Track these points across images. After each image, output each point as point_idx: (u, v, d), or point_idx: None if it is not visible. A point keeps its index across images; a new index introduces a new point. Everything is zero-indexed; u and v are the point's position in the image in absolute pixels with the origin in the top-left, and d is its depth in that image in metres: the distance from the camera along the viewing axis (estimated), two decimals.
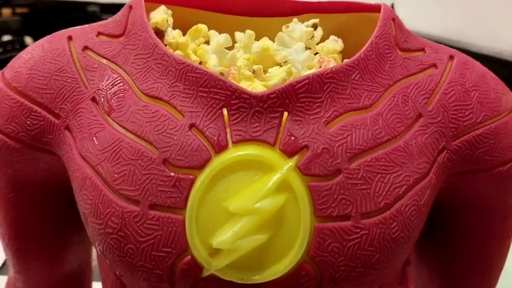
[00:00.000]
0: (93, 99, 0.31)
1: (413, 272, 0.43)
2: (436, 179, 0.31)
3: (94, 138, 0.30)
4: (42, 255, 0.39)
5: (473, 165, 0.32)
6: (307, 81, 0.29)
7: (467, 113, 0.31)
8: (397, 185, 0.28)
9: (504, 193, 0.33)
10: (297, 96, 0.28)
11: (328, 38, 0.37)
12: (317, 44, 0.36)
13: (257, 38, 0.37)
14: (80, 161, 0.30)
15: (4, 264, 0.71)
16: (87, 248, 0.43)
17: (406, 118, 0.30)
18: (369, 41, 0.31)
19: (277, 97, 0.28)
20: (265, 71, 0.35)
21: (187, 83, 0.29)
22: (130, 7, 0.34)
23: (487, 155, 0.32)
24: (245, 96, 0.28)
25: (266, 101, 0.28)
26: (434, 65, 0.33)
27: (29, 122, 0.32)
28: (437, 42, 0.35)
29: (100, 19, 0.37)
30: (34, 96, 0.32)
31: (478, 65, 0.34)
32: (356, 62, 0.30)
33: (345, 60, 0.33)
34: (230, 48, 0.37)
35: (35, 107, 0.32)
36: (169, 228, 0.27)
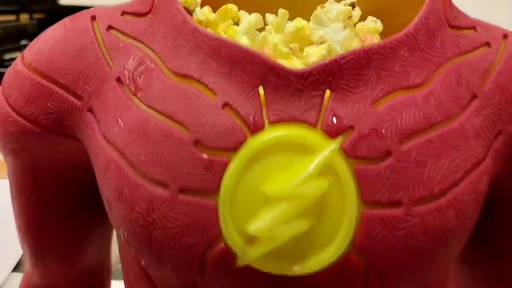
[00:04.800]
0: (118, 80, 0.29)
1: (454, 274, 0.40)
2: (492, 165, 0.28)
3: (119, 120, 0.28)
4: (59, 248, 0.36)
5: None
6: (352, 56, 0.26)
7: None
8: (453, 169, 0.26)
9: None
10: (341, 73, 0.26)
11: (365, 20, 0.35)
12: (355, 24, 0.34)
13: (289, 19, 0.35)
14: (103, 144, 0.28)
15: (19, 262, 0.69)
16: (106, 244, 0.41)
17: (460, 99, 0.27)
18: (418, 16, 0.28)
19: (320, 74, 0.26)
20: (301, 51, 0.33)
21: (220, 60, 0.27)
22: None
23: None
24: (284, 73, 0.26)
25: (307, 78, 0.26)
26: (487, 44, 0.30)
27: (49, 105, 0.30)
28: None
29: None
30: (55, 77, 0.30)
31: None
32: (405, 37, 0.27)
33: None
34: (261, 30, 0.35)
35: (56, 89, 0.30)
36: (201, 214, 0.25)
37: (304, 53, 0.30)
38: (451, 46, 0.29)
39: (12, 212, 0.37)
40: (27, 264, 0.39)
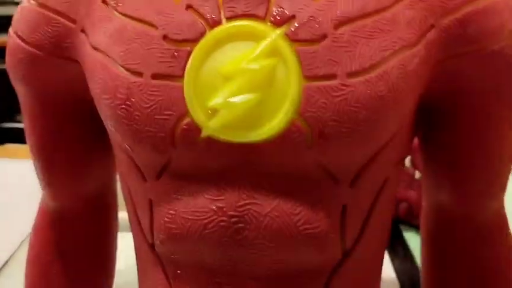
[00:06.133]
0: (103, 1, 0.34)
1: (423, 189, 0.43)
2: (426, 54, 0.32)
3: (104, 29, 0.33)
4: (67, 166, 0.41)
5: (464, 45, 0.33)
6: None
7: None
8: (383, 48, 0.30)
9: (497, 75, 0.34)
10: None
11: None
12: None
13: None
14: (92, 52, 0.33)
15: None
16: (109, 172, 0.45)
17: None
18: None
19: None
20: None
21: None
22: None
23: (478, 33, 0.32)
24: None
25: None
26: None
27: (49, 30, 0.36)
28: None
29: None
30: (54, 6, 0.36)
31: None
32: None
33: None
34: None
35: (54, 16, 0.36)
36: (170, 94, 0.30)
37: None
38: None
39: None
40: (42, 189, 0.44)
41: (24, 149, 0.48)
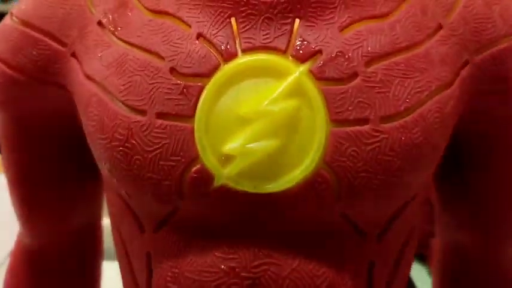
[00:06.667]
0: (99, 23, 0.30)
1: (439, 226, 0.41)
2: (460, 93, 0.29)
3: (100, 57, 0.29)
4: (48, 204, 0.37)
5: (499, 83, 0.30)
6: None
7: (489, 26, 0.30)
8: (418, 89, 0.27)
9: None
10: (309, 1, 0.27)
11: None
12: None
13: None
14: (85, 81, 0.29)
15: None
16: (95, 208, 0.41)
17: (426, 28, 0.28)
18: None
19: (288, 2, 0.27)
20: None
21: None
22: None
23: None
24: (254, 2, 0.27)
25: (276, 7, 0.27)
26: None
27: (35, 53, 0.32)
28: None
29: None
30: (40, 25, 0.31)
31: None
32: None
33: None
34: None
35: (41, 37, 0.31)
36: (178, 137, 0.26)
37: None
38: None
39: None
40: (19, 226, 0.40)
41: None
